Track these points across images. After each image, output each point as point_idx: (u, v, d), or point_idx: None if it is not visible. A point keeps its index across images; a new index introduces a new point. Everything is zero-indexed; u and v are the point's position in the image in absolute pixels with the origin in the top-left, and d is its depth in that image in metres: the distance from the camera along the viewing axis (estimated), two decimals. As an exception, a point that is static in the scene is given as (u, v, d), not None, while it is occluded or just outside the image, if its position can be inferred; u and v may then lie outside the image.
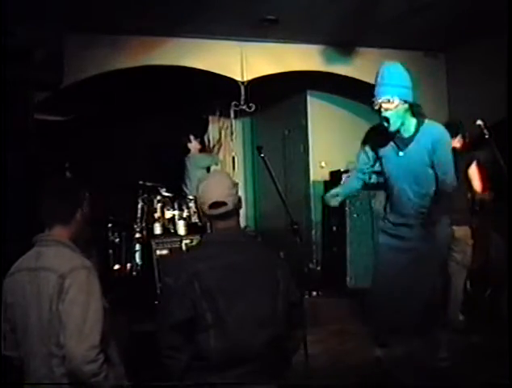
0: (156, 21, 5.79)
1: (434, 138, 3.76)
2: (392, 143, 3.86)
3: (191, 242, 6.08)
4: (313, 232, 7.15)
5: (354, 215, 6.81)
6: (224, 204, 2.53)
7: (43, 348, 2.43)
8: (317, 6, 5.66)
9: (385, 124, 3.74)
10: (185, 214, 6.39)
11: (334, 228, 6.89)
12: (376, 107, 3.73)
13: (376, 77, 3.75)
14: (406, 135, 3.81)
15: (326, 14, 5.85)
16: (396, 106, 3.68)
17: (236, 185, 2.63)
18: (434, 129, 3.82)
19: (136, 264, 6.37)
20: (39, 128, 5.87)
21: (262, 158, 3.89)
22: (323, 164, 7.28)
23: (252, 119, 8.54)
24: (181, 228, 6.25)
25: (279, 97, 7.84)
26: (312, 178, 7.34)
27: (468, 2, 5.54)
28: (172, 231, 6.28)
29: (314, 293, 6.69)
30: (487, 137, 4.15)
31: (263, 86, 6.98)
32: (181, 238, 6.15)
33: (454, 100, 7.23)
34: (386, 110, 3.69)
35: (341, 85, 7.02)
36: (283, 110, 7.94)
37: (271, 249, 2.85)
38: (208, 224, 2.72)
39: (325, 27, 6.16)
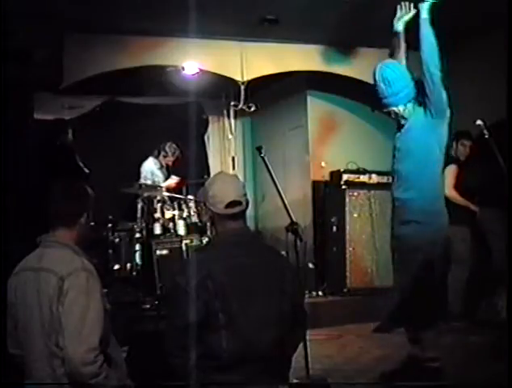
0: (156, 21, 5.79)
1: None
2: None
3: (191, 242, 6.08)
4: (313, 232, 7.14)
5: (355, 215, 6.81)
6: (239, 203, 2.56)
7: (45, 348, 2.44)
8: (317, 6, 5.66)
9: None
10: (185, 214, 6.38)
11: (334, 228, 6.89)
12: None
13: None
14: None
15: (326, 14, 5.85)
16: None
17: (245, 186, 2.69)
18: None
19: (136, 264, 6.36)
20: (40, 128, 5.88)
21: (262, 158, 3.89)
22: (323, 164, 7.27)
23: (252, 119, 8.54)
24: (181, 228, 6.25)
25: (279, 97, 7.84)
26: (312, 178, 7.34)
27: (468, 2, 5.54)
28: (172, 231, 6.28)
29: (314, 293, 6.69)
30: (487, 136, 4.15)
31: (263, 86, 6.98)
32: (181, 238, 6.15)
33: (454, 100, 7.22)
34: None
35: (341, 85, 7.02)
36: (283, 110, 7.94)
37: (278, 250, 2.89)
38: (213, 224, 2.71)
39: (325, 27, 6.16)
